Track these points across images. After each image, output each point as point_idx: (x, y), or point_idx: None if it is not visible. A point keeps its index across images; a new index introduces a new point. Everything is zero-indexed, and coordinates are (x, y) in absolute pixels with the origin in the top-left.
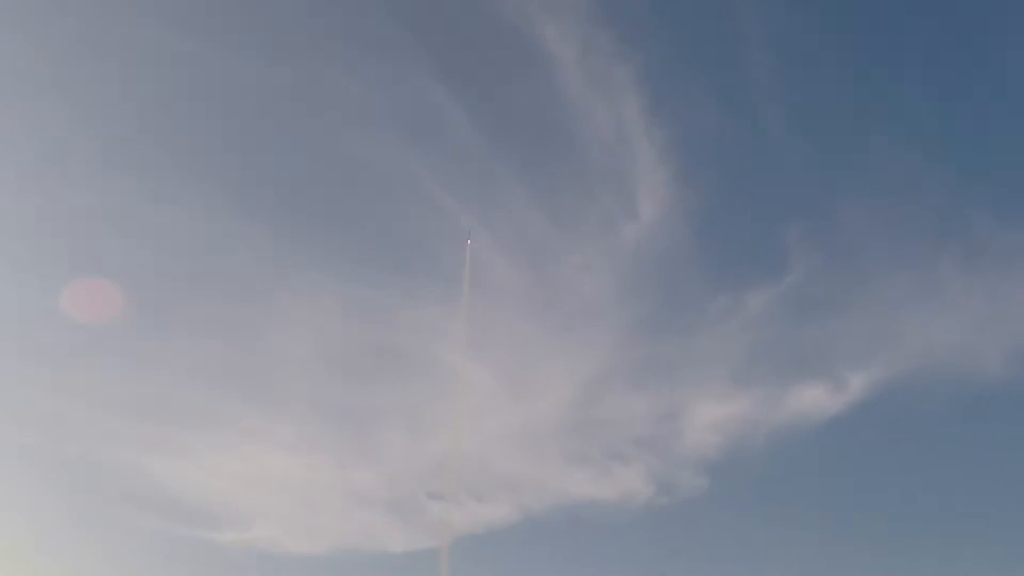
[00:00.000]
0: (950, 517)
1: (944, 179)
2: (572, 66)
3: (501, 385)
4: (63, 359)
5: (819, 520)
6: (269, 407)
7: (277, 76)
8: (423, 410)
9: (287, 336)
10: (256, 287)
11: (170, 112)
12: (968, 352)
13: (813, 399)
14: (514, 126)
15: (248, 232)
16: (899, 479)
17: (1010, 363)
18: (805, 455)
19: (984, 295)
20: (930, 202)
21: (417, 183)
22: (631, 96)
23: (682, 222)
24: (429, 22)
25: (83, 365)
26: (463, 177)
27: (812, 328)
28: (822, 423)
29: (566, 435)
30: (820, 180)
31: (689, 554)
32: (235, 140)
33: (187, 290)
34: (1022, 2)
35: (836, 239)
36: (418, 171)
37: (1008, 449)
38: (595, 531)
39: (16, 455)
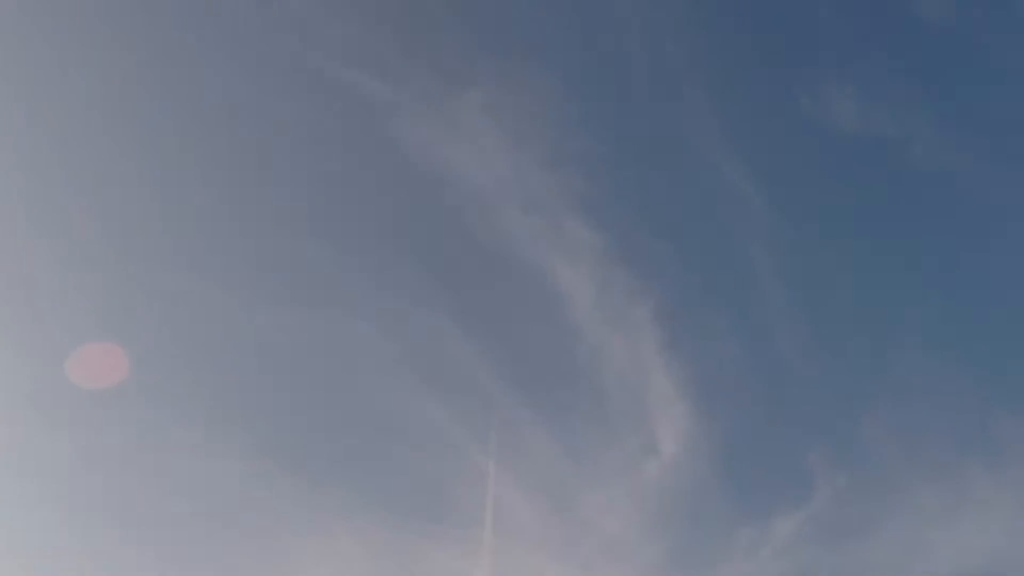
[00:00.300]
0: None
1: (964, 382)
2: (588, 305)
3: None
4: None
5: None
6: None
7: (292, 319)
8: None
9: None
10: (274, 529)
11: (188, 357)
12: (1001, 558)
13: None
14: (531, 366)
15: (265, 474)
16: None
17: None
18: None
19: (1012, 497)
20: (951, 407)
21: (434, 424)
22: (648, 333)
23: (704, 455)
24: (444, 264)
25: None
26: (481, 418)
27: (842, 550)
28: None
29: None
30: (840, 398)
31: None
32: (251, 383)
33: (202, 534)
34: None
35: (859, 457)
36: (435, 412)
37: None
38: None
39: None
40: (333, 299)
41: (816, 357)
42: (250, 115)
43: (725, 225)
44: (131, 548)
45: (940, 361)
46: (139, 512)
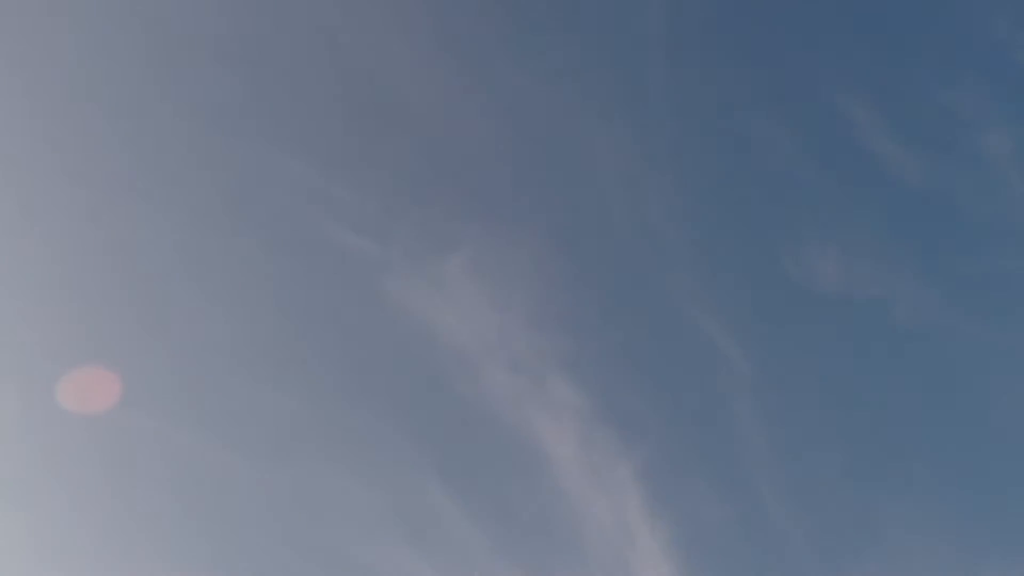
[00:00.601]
0: None
1: (953, 543)
2: (571, 463)
3: None
4: None
5: None
6: None
7: (272, 472)
8: None
9: None
10: None
11: (171, 506)
12: None
13: None
14: (514, 523)
15: None
16: None
17: None
18: None
19: None
20: (940, 568)
21: None
22: (632, 493)
23: None
24: (428, 421)
25: None
26: (464, 575)
27: None
28: None
29: None
30: (827, 559)
31: None
32: (229, 536)
33: None
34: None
35: None
36: (419, 569)
37: None
38: None
39: None
40: (314, 453)
41: (802, 517)
42: (237, 268)
43: (709, 385)
44: None
45: (928, 521)
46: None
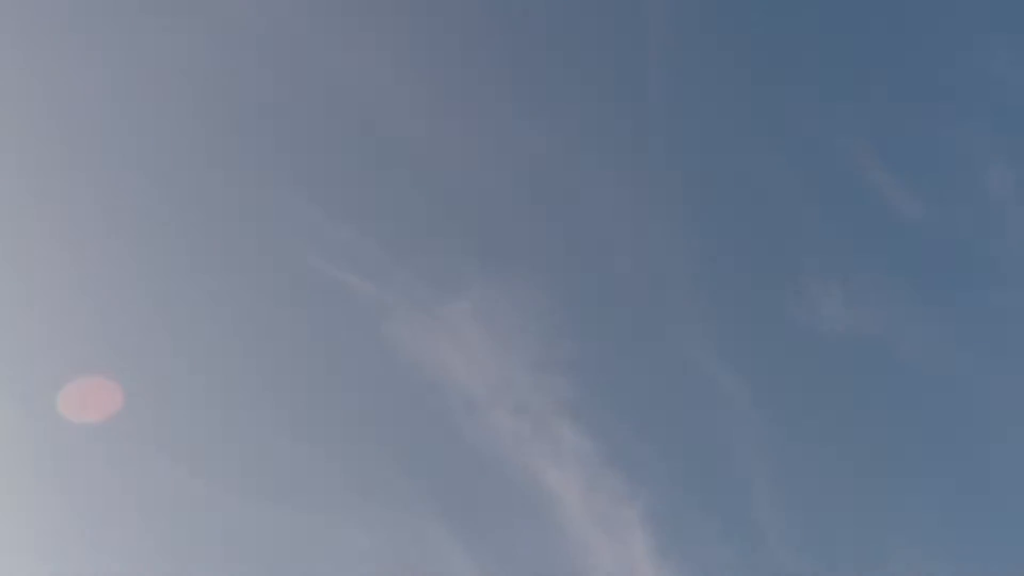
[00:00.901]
0: None
1: (954, 567)
2: (577, 507)
3: None
4: None
5: None
6: None
7: (275, 516)
8: None
9: None
10: None
11: (177, 551)
12: None
13: None
14: (520, 568)
15: None
16: None
17: None
18: None
19: None
20: None
21: None
22: (637, 536)
23: None
24: (432, 465)
25: None
26: None
27: None
28: None
29: None
30: None
31: None
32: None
33: None
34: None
35: None
36: None
37: None
38: None
39: None
40: (317, 495)
41: (810, 561)
42: (240, 308)
43: (715, 428)
44: None
45: (937, 563)
46: None
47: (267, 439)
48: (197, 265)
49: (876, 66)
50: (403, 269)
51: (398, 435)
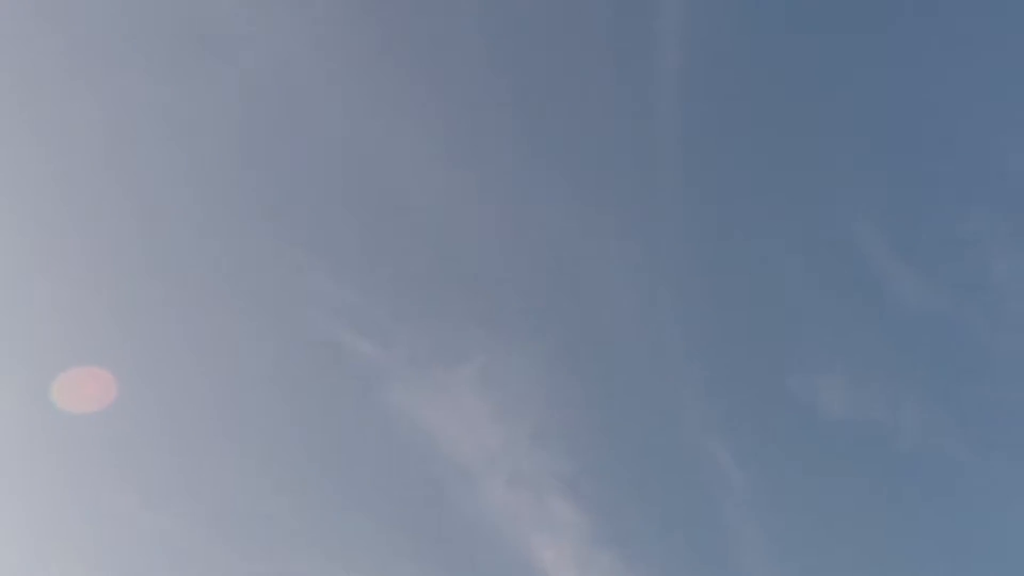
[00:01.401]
0: None
1: None
2: None
3: None
4: None
5: None
6: None
7: (263, 567)
8: None
9: None
10: None
11: None
12: None
13: None
14: None
15: None
16: None
17: None
18: None
19: None
20: None
21: None
22: None
23: None
24: (425, 533)
25: None
26: None
27: None
28: None
29: None
30: None
31: None
32: None
33: None
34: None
35: None
36: None
37: None
38: None
39: None
40: (305, 555)
41: None
42: (237, 364)
43: (712, 508)
44: None
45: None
46: None
47: (257, 493)
48: (192, 319)
49: (884, 152)
50: (406, 332)
51: (390, 498)
